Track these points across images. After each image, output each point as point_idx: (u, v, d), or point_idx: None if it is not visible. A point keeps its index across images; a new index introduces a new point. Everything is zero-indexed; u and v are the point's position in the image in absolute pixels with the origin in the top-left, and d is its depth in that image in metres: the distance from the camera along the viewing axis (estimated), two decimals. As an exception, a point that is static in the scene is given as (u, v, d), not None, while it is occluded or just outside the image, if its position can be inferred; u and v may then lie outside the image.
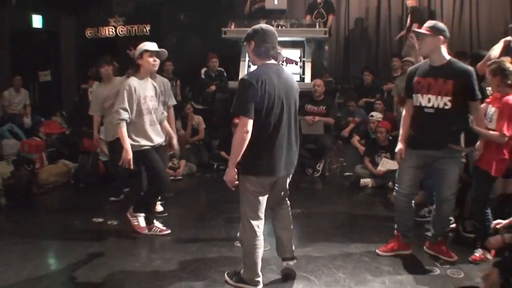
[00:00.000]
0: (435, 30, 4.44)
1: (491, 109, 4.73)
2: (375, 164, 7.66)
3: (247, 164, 3.88)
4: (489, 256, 4.74)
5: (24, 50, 10.61)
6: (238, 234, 4.16)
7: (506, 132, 4.47)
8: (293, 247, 4.45)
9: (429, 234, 5.06)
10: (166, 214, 6.13)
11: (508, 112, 4.51)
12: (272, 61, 3.95)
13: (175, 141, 5.95)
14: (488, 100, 4.86)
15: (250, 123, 3.72)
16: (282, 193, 4.27)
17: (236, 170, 3.88)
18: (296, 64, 9.22)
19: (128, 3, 12.19)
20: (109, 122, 6.07)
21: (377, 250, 4.99)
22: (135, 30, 12.28)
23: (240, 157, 3.81)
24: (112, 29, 12.36)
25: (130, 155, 4.96)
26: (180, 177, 8.20)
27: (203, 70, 9.93)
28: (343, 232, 5.41)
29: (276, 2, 9.55)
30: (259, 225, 4.01)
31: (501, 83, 4.62)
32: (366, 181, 7.64)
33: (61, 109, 9.27)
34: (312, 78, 8.73)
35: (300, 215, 5.86)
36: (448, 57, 4.49)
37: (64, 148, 8.49)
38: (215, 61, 9.67)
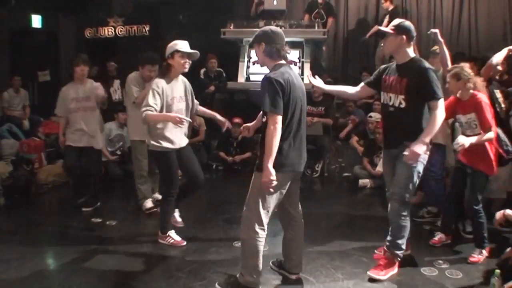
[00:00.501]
0: (398, 30, 4.37)
1: (465, 117, 4.82)
2: (374, 165, 7.67)
3: (276, 160, 3.81)
4: (484, 254, 4.82)
5: (23, 50, 10.61)
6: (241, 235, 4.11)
7: (491, 128, 4.63)
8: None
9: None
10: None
11: (483, 108, 4.66)
12: (283, 61, 4.00)
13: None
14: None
15: (280, 119, 3.78)
16: (296, 192, 4.27)
17: (266, 169, 3.78)
18: (295, 64, 9.24)
19: (127, 3, 12.18)
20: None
21: (375, 254, 4.92)
22: (134, 30, 12.28)
23: (265, 153, 3.79)
24: (111, 29, 12.36)
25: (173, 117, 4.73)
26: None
27: (202, 71, 9.93)
28: (342, 232, 5.42)
29: (275, 3, 9.58)
30: (266, 223, 3.99)
31: (464, 87, 4.75)
32: (365, 181, 7.66)
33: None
34: (311, 78, 8.77)
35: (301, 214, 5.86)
36: (412, 55, 4.41)
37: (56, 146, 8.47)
38: (214, 62, 9.67)
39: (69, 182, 7.63)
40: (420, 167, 4.37)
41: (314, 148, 8.32)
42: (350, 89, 4.97)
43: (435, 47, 5.74)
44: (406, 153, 4.17)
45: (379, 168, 7.48)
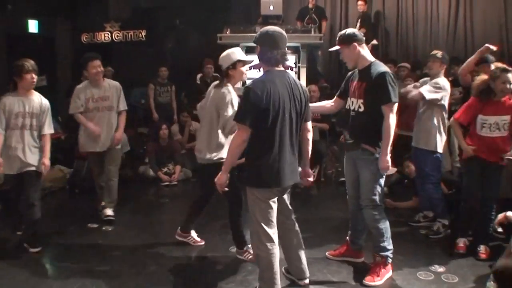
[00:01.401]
0: (346, 41, 4.42)
1: (497, 118, 4.93)
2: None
3: (253, 176, 3.85)
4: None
5: (20, 55, 10.56)
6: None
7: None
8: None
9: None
10: (114, 219, 6.10)
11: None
12: (279, 68, 3.91)
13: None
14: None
15: (248, 132, 3.73)
16: (285, 202, 4.22)
17: (228, 175, 3.92)
18: (292, 70, 9.24)
19: (124, 8, 12.20)
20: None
21: (326, 253, 5.06)
22: (131, 35, 12.28)
23: (245, 168, 3.89)
24: (108, 34, 12.36)
25: None
26: (176, 183, 8.20)
27: (198, 76, 9.95)
28: (338, 237, 5.42)
29: (271, 8, 9.56)
30: (274, 233, 3.92)
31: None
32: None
33: (57, 115, 9.24)
34: (308, 83, 8.79)
35: (295, 221, 5.85)
36: (370, 60, 4.44)
37: (60, 154, 8.46)
38: (210, 67, 9.69)
39: (65, 187, 7.66)
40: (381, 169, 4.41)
41: (311, 153, 8.31)
42: (327, 103, 4.99)
43: (435, 51, 5.77)
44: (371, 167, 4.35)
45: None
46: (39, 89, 5.25)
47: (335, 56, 11.82)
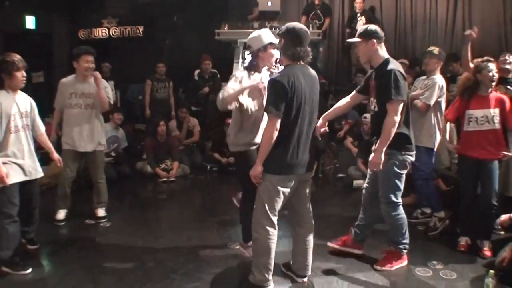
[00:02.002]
0: (366, 36, 4.43)
1: (486, 111, 4.94)
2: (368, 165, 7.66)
3: (273, 163, 3.96)
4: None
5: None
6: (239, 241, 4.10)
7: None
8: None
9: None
10: (106, 220, 6.02)
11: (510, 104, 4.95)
12: (299, 63, 4.01)
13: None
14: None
15: (279, 122, 3.85)
16: (305, 193, 4.37)
17: (257, 165, 3.97)
18: (281, 63, 9.22)
19: (122, 4, 12.17)
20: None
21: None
22: (128, 31, 12.25)
23: (259, 151, 3.97)
24: (105, 30, 12.33)
25: None
26: (173, 179, 8.19)
27: (196, 72, 9.93)
28: (336, 233, 5.41)
29: (269, 4, 9.55)
30: (275, 220, 4.05)
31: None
32: (359, 182, 7.65)
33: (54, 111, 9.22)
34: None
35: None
36: (385, 57, 4.46)
37: (57, 150, 8.43)
38: (208, 63, 9.66)
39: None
40: (396, 168, 4.46)
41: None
42: (341, 103, 4.92)
43: (432, 48, 5.79)
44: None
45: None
46: (36, 85, 5.13)
47: (335, 53, 11.85)
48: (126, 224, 6.02)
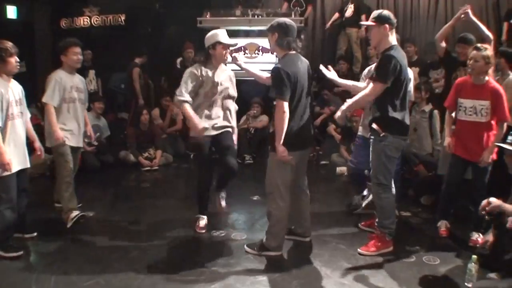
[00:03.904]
0: (380, 20, 4.51)
1: (475, 102, 4.83)
2: (351, 152, 7.69)
3: (285, 142, 4.33)
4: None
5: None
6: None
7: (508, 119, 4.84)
8: None
9: None
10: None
11: (502, 97, 4.78)
12: (293, 52, 4.47)
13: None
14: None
15: (287, 105, 4.28)
16: (304, 166, 4.85)
17: (278, 147, 4.33)
18: (273, 53, 9.21)
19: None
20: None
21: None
22: (110, 20, 12.11)
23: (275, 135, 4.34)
24: (87, 19, 12.18)
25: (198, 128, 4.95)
26: (157, 168, 8.19)
27: (178, 60, 9.87)
28: (319, 220, 5.45)
29: (251, -9, 9.54)
30: (287, 194, 4.54)
31: (486, 73, 4.84)
32: (342, 169, 7.70)
33: (36, 101, 9.13)
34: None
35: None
36: (392, 43, 4.52)
37: (40, 140, 8.37)
38: (190, 52, 9.57)
39: (45, 174, 7.58)
40: (388, 151, 4.55)
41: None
42: (360, 85, 5.08)
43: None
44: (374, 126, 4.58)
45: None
46: (18, 75, 5.04)
47: (317, 40, 11.79)
48: (109, 213, 6.01)
